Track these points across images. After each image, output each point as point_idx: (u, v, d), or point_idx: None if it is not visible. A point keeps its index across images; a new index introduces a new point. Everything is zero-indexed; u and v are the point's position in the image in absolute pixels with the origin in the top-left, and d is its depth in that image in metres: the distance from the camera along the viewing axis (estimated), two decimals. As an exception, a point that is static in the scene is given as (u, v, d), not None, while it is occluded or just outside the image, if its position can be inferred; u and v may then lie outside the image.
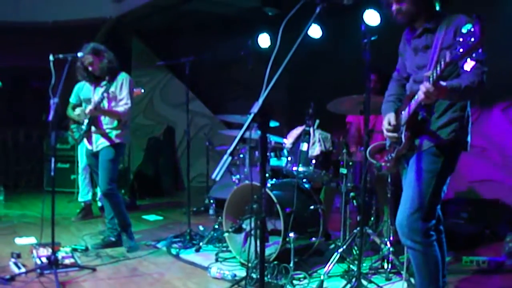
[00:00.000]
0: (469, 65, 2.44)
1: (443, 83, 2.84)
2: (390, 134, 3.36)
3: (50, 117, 4.70)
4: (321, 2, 2.73)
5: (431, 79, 2.80)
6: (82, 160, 7.41)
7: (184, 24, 10.14)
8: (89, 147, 5.63)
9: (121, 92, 5.49)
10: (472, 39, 2.36)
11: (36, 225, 6.34)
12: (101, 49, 5.52)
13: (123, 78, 5.53)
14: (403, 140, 3.20)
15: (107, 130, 5.49)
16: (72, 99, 6.86)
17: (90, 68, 5.49)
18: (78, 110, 5.83)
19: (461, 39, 2.42)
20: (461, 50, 2.43)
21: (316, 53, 7.97)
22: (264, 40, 8.57)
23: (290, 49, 2.55)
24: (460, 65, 2.61)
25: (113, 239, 5.67)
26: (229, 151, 2.17)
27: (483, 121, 6.84)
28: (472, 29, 2.37)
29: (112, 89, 5.41)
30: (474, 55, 2.39)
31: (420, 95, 2.90)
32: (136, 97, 6.93)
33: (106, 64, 5.46)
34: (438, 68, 2.72)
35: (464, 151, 3.28)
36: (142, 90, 7.47)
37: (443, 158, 3.17)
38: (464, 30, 2.42)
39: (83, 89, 6.56)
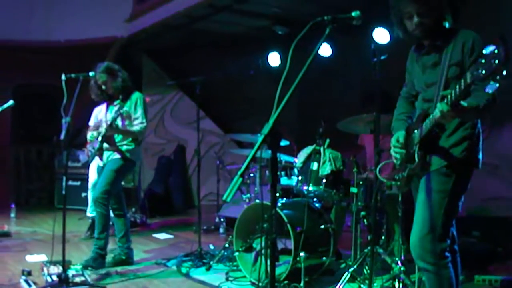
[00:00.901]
0: (492, 87, 2.41)
1: (463, 103, 2.80)
2: (397, 150, 3.36)
3: (62, 136, 4.73)
4: (331, 22, 2.74)
5: (448, 99, 2.77)
6: (92, 176, 7.44)
7: (195, 43, 10.22)
8: (100, 163, 5.66)
9: (136, 111, 5.53)
10: (496, 61, 2.32)
11: (47, 243, 6.35)
12: (115, 68, 5.57)
13: (137, 97, 5.59)
14: (417, 159, 3.18)
15: (119, 146, 5.52)
16: (91, 123, 6.93)
17: (103, 87, 5.54)
18: (95, 133, 5.84)
19: (483, 61, 2.39)
20: (483, 72, 2.39)
21: (326, 72, 7.99)
22: (274, 59, 8.61)
23: (300, 67, 2.56)
24: (482, 87, 2.57)
25: (123, 257, 5.66)
26: (239, 173, 2.17)
27: (495, 138, 6.81)
28: (496, 51, 2.33)
29: (126, 108, 5.43)
30: (498, 77, 2.37)
31: (436, 115, 2.87)
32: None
33: (120, 83, 5.51)
34: (457, 89, 2.69)
35: (476, 169, 3.27)
36: (149, 99, 7.39)
37: (454, 178, 3.15)
38: (486, 51, 2.38)
39: (101, 112, 6.63)
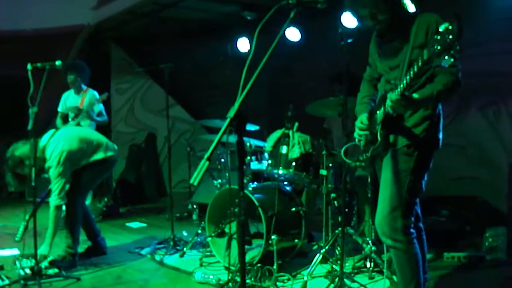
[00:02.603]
0: (447, 62, 2.50)
1: (414, 95, 2.92)
2: (361, 132, 3.43)
3: (30, 126, 4.68)
4: (296, 5, 2.76)
5: (398, 89, 2.89)
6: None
7: (163, 30, 10.12)
8: None
9: None
10: (451, 37, 2.41)
11: (18, 236, 6.29)
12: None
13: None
14: (379, 138, 3.25)
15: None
16: (60, 108, 6.90)
17: None
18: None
19: (438, 37, 2.48)
20: (438, 47, 2.48)
21: (295, 56, 8.00)
22: (243, 44, 8.59)
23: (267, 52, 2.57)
24: (438, 63, 2.65)
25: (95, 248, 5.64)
26: (206, 156, 2.19)
27: (461, 120, 6.90)
28: (450, 27, 2.42)
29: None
30: (452, 52, 2.44)
31: (388, 104, 2.98)
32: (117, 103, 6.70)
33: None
34: (408, 78, 2.82)
35: (436, 149, 3.34)
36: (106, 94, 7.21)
37: (415, 157, 3.23)
38: (441, 29, 2.47)
39: (69, 97, 6.58)
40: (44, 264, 4.87)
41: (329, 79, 5.90)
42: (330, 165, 5.04)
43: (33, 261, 4.63)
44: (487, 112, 6.76)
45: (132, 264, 5.34)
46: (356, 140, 3.51)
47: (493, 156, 6.68)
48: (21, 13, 10.38)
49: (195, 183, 2.14)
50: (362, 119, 3.42)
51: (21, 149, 4.95)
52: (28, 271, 4.66)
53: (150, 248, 5.81)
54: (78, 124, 6.68)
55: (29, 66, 4.81)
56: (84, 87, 6.98)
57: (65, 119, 7.00)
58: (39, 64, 4.88)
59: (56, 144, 5.02)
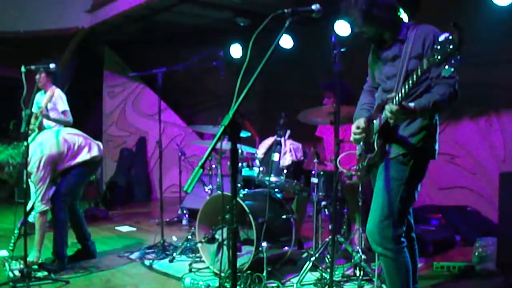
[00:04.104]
0: (447, 71, 2.51)
1: (410, 104, 2.94)
2: (357, 136, 3.43)
3: (23, 129, 4.67)
4: (291, 15, 2.77)
5: (396, 99, 2.93)
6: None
7: (157, 35, 10.16)
8: None
9: None
10: (451, 47, 2.42)
11: (7, 238, 6.26)
12: None
13: None
14: (376, 148, 3.26)
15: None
16: (33, 109, 6.88)
17: None
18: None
19: (439, 47, 2.49)
20: (439, 57, 2.49)
21: (288, 63, 8.04)
22: (236, 51, 8.64)
23: (261, 59, 2.56)
24: (435, 74, 2.67)
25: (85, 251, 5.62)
26: (200, 164, 2.19)
27: (453, 129, 6.95)
28: (450, 37, 2.44)
29: None
30: (453, 61, 2.45)
31: (386, 115, 3.00)
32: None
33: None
34: (407, 87, 2.85)
35: (432, 159, 3.36)
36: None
37: (410, 167, 3.24)
38: (441, 38, 2.48)
39: (39, 98, 6.55)
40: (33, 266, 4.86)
41: (321, 87, 5.92)
42: (321, 173, 5.06)
43: (23, 263, 4.61)
44: (479, 122, 6.81)
45: (121, 268, 5.32)
46: (354, 142, 3.52)
47: (484, 165, 6.73)
48: (15, 14, 10.36)
49: (189, 191, 2.15)
50: (359, 124, 3.43)
51: (0, 155, 4.91)
52: (17, 273, 4.64)
53: (140, 253, 5.78)
54: (40, 125, 6.56)
55: (23, 69, 4.80)
56: (53, 86, 6.83)
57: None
58: (33, 67, 4.87)
59: (35, 149, 4.95)
